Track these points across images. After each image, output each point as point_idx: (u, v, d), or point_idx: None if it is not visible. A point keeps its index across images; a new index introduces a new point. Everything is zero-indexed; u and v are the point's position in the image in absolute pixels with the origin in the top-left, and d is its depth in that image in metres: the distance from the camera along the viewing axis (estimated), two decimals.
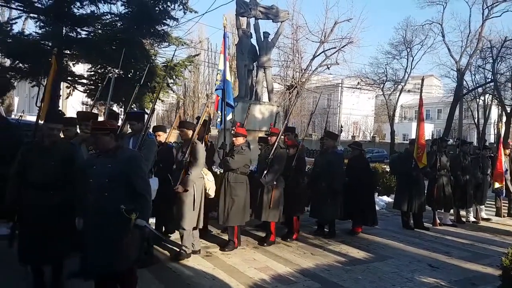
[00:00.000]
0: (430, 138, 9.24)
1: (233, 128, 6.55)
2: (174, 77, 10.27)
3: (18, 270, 4.37)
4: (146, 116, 5.37)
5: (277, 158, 6.09)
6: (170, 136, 6.30)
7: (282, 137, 6.52)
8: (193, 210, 5.28)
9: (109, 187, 3.36)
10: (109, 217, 3.33)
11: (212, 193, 5.71)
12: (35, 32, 8.89)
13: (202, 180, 5.52)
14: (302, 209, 6.85)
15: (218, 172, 8.21)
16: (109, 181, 3.36)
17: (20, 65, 8.65)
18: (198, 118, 5.88)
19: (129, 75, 9.83)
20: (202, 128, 5.78)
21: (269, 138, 6.44)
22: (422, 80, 8.84)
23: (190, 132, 5.37)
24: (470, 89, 29.74)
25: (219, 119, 7.23)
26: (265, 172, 6.04)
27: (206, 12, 21.19)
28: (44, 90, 5.21)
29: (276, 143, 6.18)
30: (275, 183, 6.10)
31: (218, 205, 5.94)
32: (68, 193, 3.86)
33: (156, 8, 9.11)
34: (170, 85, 10.71)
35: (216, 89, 7.35)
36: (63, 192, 3.88)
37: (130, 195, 3.41)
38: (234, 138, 6.03)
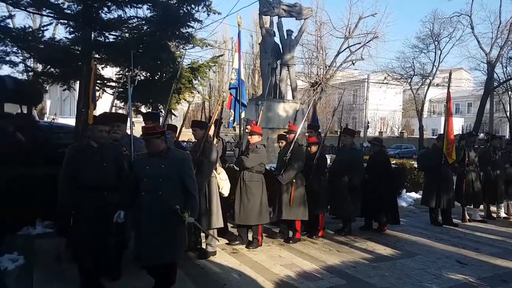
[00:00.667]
0: (460, 133, 9.02)
1: (247, 127, 6.63)
2: (199, 78, 10.44)
3: (54, 269, 4.61)
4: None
5: (294, 155, 6.10)
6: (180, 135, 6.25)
7: (307, 134, 6.55)
8: (207, 209, 5.32)
9: (162, 186, 3.68)
10: (162, 213, 3.66)
11: (225, 192, 5.70)
12: (65, 38, 9.21)
13: (215, 179, 5.55)
14: (325, 206, 6.81)
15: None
16: (163, 181, 3.69)
17: (52, 69, 8.97)
18: (210, 117, 5.92)
19: (155, 77, 10.06)
20: (214, 127, 5.75)
21: (287, 135, 6.46)
22: (450, 74, 8.70)
23: (202, 132, 5.44)
24: (501, 81, 28.85)
25: (231, 118, 7.30)
26: (283, 170, 6.07)
27: (229, 14, 21.40)
28: (82, 94, 5.41)
29: (294, 140, 6.19)
30: (294, 181, 6.10)
31: (234, 204, 6.01)
32: None
33: (181, 11, 9.26)
34: (195, 85, 10.88)
35: (230, 88, 7.39)
36: (117, 192, 4.02)
37: (179, 193, 3.76)
38: (249, 137, 6.09)
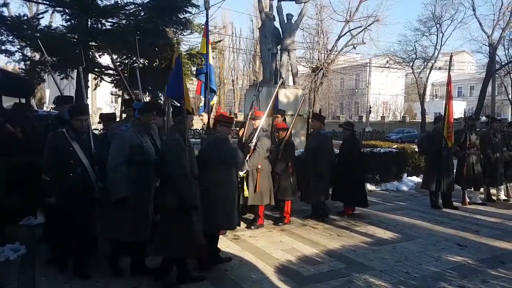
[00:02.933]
0: (462, 116, 9.00)
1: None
2: (197, 64, 10.34)
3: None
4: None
5: (259, 142, 5.94)
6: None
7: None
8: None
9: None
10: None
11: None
12: (62, 26, 9.14)
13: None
14: (291, 192, 6.52)
15: None
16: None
17: (49, 58, 8.91)
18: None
19: (154, 64, 9.99)
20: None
21: (253, 121, 6.30)
22: (451, 57, 8.63)
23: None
24: (503, 64, 28.60)
25: (201, 104, 7.18)
26: (248, 156, 5.87)
27: None
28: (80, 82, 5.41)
29: (260, 126, 6.02)
30: (259, 167, 5.98)
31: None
32: None
33: None
34: (194, 72, 10.80)
35: (198, 74, 7.22)
36: None
37: None
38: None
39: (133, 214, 4.12)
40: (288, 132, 6.57)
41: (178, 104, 4.58)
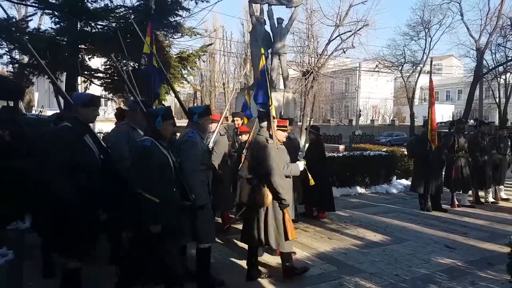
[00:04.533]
0: (450, 120, 9.11)
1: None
2: (188, 67, 10.34)
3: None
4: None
5: (216, 145, 5.67)
6: None
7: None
8: None
9: None
10: None
11: None
12: (51, 28, 9.07)
13: None
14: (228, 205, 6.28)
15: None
16: None
17: (42, 61, 8.83)
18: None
19: (143, 67, 9.94)
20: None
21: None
22: (431, 61, 8.72)
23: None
24: (490, 68, 29.02)
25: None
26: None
27: (218, 1, 21.15)
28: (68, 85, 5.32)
29: (217, 130, 5.69)
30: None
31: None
32: None
33: (168, 0, 9.16)
34: (185, 75, 10.80)
35: (138, 74, 6.66)
36: None
37: None
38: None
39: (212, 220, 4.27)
40: (250, 136, 6.25)
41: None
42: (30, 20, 9.59)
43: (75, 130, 3.46)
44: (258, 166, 4.36)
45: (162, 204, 3.30)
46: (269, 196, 4.24)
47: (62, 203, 3.29)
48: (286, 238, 4.32)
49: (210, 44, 14.41)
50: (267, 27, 13.13)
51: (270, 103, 4.77)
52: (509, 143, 9.36)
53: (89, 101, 3.59)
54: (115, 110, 5.68)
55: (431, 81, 8.24)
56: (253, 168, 4.54)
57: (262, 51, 6.46)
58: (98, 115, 3.84)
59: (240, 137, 6.23)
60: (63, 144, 3.38)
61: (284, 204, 4.29)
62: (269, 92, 4.88)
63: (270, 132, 4.49)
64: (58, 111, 5.22)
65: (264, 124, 4.59)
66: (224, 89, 42.13)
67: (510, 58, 27.12)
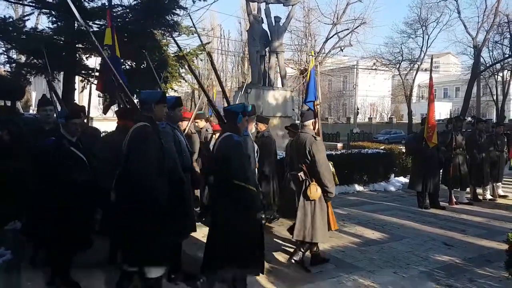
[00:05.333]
0: (448, 117, 9.14)
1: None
2: (186, 66, 10.30)
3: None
4: None
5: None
6: None
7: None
8: None
9: None
10: None
11: None
12: (48, 28, 9.03)
13: None
14: None
15: None
16: None
17: (35, 60, 8.80)
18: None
19: (141, 66, 9.92)
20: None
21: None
22: (431, 59, 8.74)
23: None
24: (487, 65, 29.08)
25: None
26: None
27: (215, 0, 21.08)
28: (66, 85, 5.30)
29: (188, 127, 5.65)
30: None
31: None
32: None
33: None
34: (182, 74, 10.76)
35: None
36: None
37: None
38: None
39: None
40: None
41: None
42: (27, 19, 9.52)
43: (156, 130, 3.50)
44: (306, 161, 4.58)
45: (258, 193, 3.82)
46: (318, 190, 4.50)
47: (149, 208, 3.29)
48: (329, 229, 4.71)
49: (208, 43, 14.38)
50: (265, 26, 13.16)
51: (318, 102, 5.19)
52: (506, 140, 9.39)
53: (160, 98, 3.65)
54: (117, 110, 5.59)
55: (431, 78, 8.24)
56: (294, 163, 4.78)
57: (313, 53, 6.79)
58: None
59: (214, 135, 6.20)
60: (151, 144, 3.38)
61: (330, 197, 4.65)
62: (317, 92, 5.38)
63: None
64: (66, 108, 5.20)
65: (308, 122, 4.78)
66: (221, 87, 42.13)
67: (507, 55, 27.19)
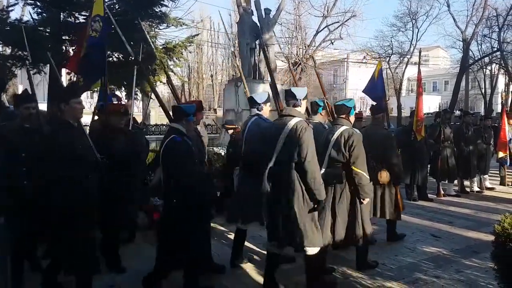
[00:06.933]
0: (437, 110, 9.19)
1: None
2: (174, 58, 10.20)
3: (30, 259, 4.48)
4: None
5: None
6: None
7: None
8: None
9: None
10: None
11: None
12: (33, 19, 8.86)
13: None
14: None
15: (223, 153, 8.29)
16: None
17: (20, 52, 8.65)
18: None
19: (129, 59, 9.81)
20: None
21: None
22: (420, 52, 8.76)
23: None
24: (476, 59, 29.28)
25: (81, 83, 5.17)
26: None
27: None
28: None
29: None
30: None
31: None
32: None
33: None
34: (171, 66, 10.66)
35: (88, 45, 5.09)
36: None
37: None
38: None
39: None
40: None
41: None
42: (12, 10, 9.34)
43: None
44: (379, 152, 5.01)
45: None
46: (388, 176, 5.06)
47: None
48: (398, 209, 5.32)
49: (197, 35, 14.26)
50: (255, 18, 13.06)
51: (387, 99, 5.48)
52: (493, 133, 9.48)
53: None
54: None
55: (419, 72, 8.24)
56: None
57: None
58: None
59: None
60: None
61: (398, 181, 5.35)
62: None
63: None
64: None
65: (379, 115, 5.53)
66: (212, 81, 41.91)
67: (495, 49, 27.38)
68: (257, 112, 4.59)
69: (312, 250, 3.65)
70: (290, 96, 3.87)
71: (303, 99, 3.89)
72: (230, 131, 6.69)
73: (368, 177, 4.06)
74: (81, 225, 3.41)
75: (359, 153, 3.99)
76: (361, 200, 4.08)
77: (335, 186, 4.09)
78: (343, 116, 4.24)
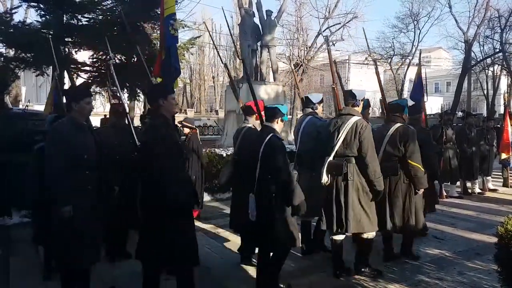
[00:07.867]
0: (439, 112, 9.15)
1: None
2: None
3: (31, 260, 4.51)
4: None
5: None
6: None
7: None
8: None
9: None
10: None
11: None
12: (36, 21, 8.90)
13: None
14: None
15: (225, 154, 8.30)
16: None
17: (23, 54, 8.68)
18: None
19: (132, 60, 9.84)
20: None
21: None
22: (420, 53, 8.71)
23: None
24: (478, 60, 29.24)
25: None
26: None
27: None
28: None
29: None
30: None
31: None
32: None
33: None
34: None
35: (170, 44, 4.97)
36: None
37: None
38: None
39: None
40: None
41: None
42: (15, 12, 9.41)
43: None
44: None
45: None
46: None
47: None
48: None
49: (199, 37, 14.29)
50: (256, 20, 13.08)
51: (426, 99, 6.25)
52: (495, 134, 9.46)
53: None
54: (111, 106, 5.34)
55: (420, 73, 8.18)
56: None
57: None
58: None
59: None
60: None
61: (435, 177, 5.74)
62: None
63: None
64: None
65: (417, 115, 5.68)
66: (213, 82, 42.00)
67: (497, 50, 27.34)
68: (312, 111, 4.91)
69: (369, 235, 4.19)
70: (350, 96, 4.26)
71: (361, 100, 4.30)
72: (186, 130, 6.33)
73: (423, 170, 4.40)
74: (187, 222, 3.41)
75: (414, 147, 4.34)
76: (416, 190, 4.45)
77: (390, 178, 4.45)
78: (397, 114, 4.59)
